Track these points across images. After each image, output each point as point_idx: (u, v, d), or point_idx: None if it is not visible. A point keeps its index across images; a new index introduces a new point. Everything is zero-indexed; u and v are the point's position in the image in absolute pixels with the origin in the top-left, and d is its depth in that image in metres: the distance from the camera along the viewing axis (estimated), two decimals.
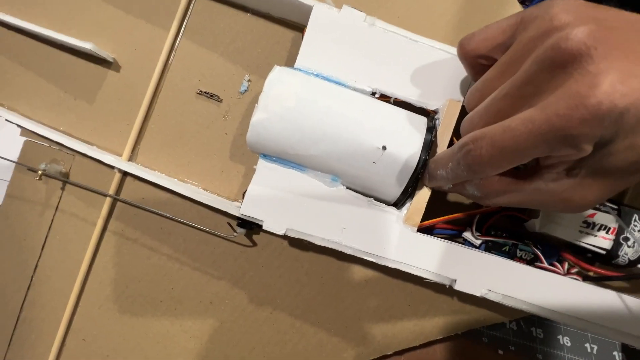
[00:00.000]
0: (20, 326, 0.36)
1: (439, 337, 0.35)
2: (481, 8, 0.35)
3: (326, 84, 0.29)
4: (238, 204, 0.34)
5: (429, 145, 0.26)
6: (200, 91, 0.36)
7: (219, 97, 0.36)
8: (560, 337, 0.41)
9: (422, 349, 0.40)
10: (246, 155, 0.36)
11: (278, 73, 0.28)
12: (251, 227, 0.34)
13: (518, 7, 0.34)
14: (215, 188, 0.36)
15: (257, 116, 0.27)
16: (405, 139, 0.26)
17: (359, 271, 0.35)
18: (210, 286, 0.36)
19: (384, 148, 0.26)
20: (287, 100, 0.27)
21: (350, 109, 0.27)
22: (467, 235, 0.32)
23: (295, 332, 0.35)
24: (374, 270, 0.34)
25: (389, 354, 0.35)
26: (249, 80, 0.36)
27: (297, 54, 0.30)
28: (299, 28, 0.35)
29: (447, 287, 0.28)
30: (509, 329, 0.42)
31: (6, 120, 0.37)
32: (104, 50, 0.36)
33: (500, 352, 0.40)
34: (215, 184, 0.36)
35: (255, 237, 0.35)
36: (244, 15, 0.36)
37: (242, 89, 0.36)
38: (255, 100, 0.36)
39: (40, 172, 0.35)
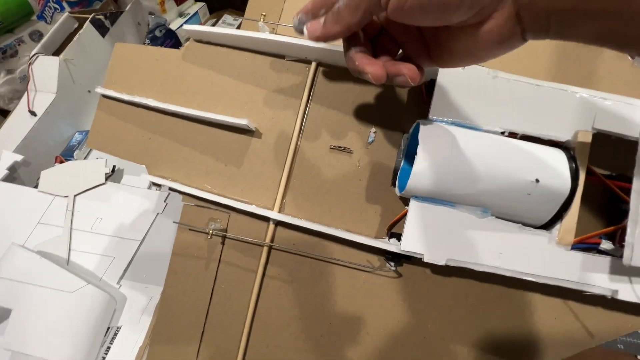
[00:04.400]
0: None
1: (589, 347, 0.37)
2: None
3: (466, 130, 0.34)
4: (384, 240, 0.38)
5: (576, 173, 0.30)
6: (333, 146, 0.42)
7: (350, 150, 0.42)
8: None
9: None
10: (381, 197, 0.41)
11: (427, 128, 0.33)
12: (399, 260, 0.38)
13: None
14: (357, 228, 0.41)
15: (418, 166, 0.32)
16: (554, 171, 0.31)
17: (501, 290, 0.38)
18: (364, 318, 0.39)
19: (537, 181, 0.30)
20: (442, 150, 0.32)
21: (499, 149, 0.32)
22: (605, 246, 0.35)
23: (448, 354, 0.38)
24: (516, 289, 0.37)
25: None
26: (374, 132, 0.41)
27: (414, 105, 0.35)
28: None
29: (610, 297, 0.31)
30: None
31: (170, 189, 0.44)
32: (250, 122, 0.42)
33: (639, 357, 0.41)
34: (356, 225, 0.41)
35: (399, 268, 0.39)
36: None
37: (370, 140, 0.41)
38: (381, 148, 0.41)
39: (210, 231, 0.41)
